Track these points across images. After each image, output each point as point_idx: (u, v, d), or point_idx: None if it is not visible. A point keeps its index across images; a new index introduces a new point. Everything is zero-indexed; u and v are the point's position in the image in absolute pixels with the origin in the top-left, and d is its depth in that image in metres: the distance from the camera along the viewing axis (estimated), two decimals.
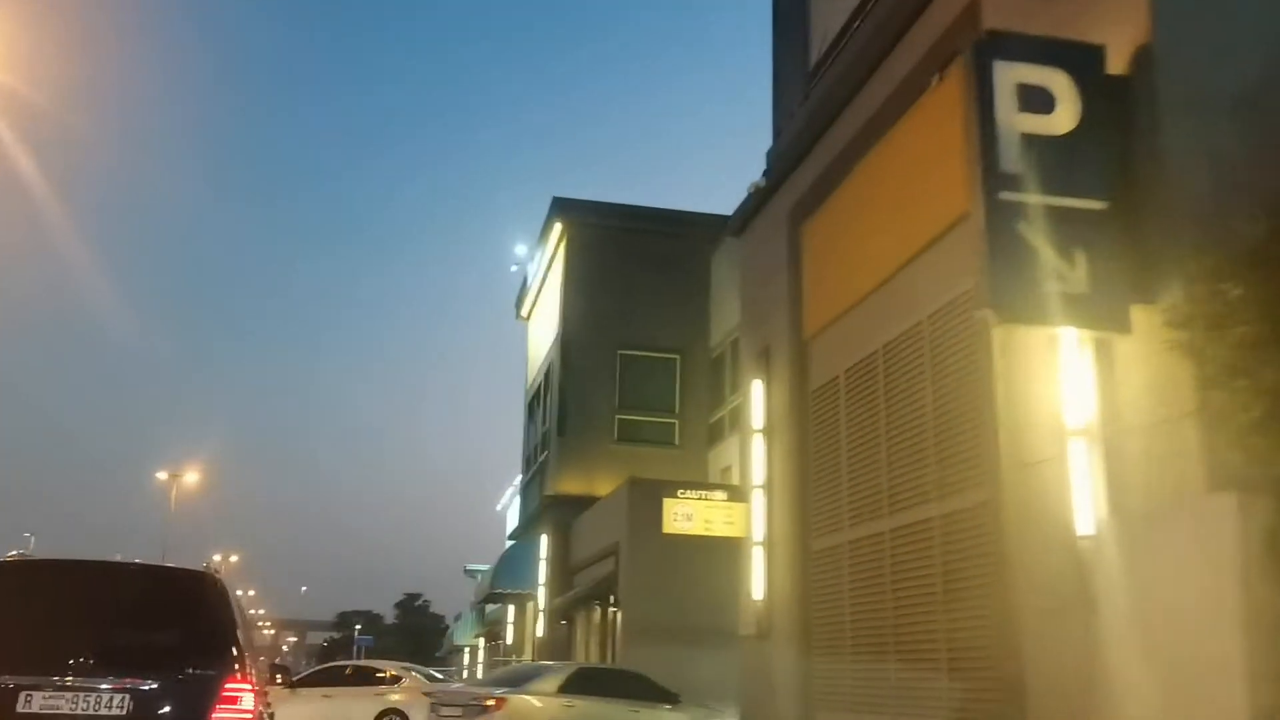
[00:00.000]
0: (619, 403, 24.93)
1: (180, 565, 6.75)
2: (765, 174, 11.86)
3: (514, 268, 31.48)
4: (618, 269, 25.48)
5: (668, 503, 11.29)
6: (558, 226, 26.04)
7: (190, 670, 5.52)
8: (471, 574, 67.22)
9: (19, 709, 5.15)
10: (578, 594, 20.84)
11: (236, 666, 5.60)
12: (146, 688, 5.34)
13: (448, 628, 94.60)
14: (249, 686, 5.62)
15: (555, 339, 25.89)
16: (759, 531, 10.84)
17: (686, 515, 11.26)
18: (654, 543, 18.17)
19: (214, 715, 5.42)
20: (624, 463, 24.04)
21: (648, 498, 18.72)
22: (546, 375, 27.19)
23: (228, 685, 5.50)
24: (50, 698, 5.22)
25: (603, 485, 23.89)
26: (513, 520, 59.38)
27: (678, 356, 25.27)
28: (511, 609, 29.13)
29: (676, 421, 25.07)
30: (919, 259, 8.15)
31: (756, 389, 11.20)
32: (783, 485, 10.47)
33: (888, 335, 8.56)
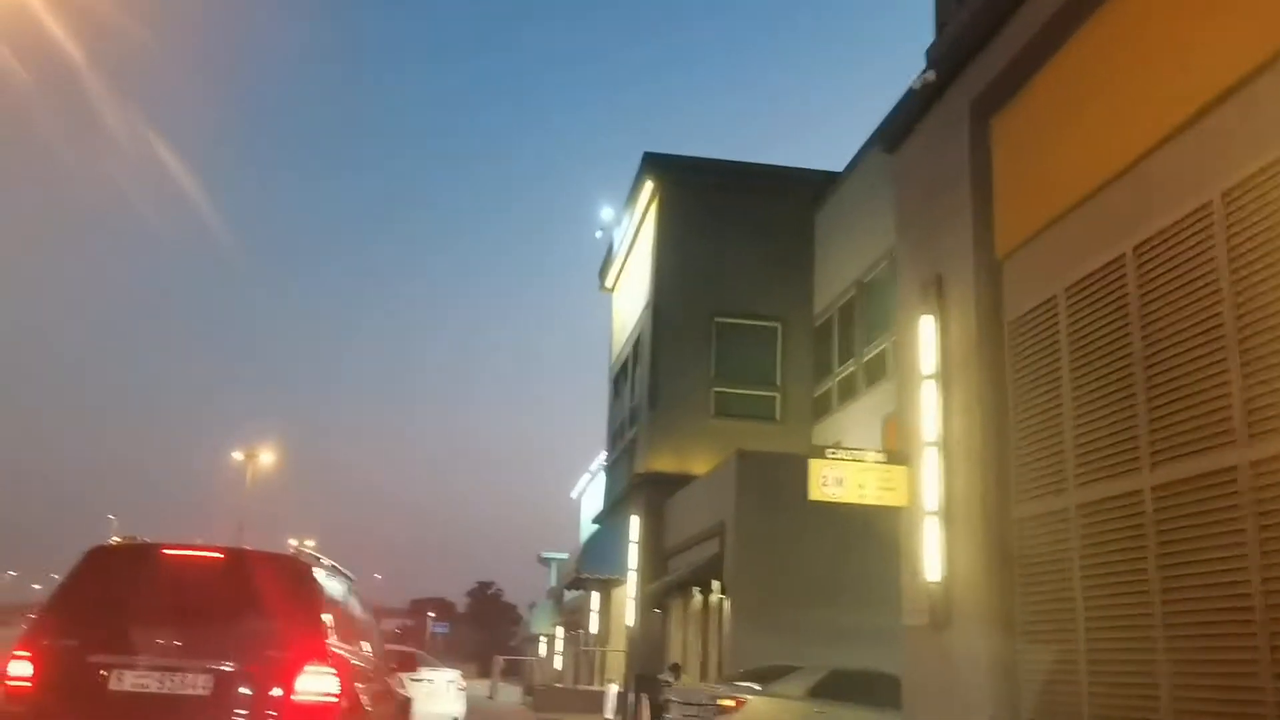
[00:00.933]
0: (715, 374, 23.05)
1: (269, 550, 6.85)
2: (926, 71, 9.84)
3: (598, 233, 29.77)
4: (714, 230, 23.58)
5: (814, 465, 9.33)
6: (648, 185, 24.21)
7: (270, 652, 5.60)
8: (546, 562, 66.15)
9: (111, 687, 5.40)
10: (674, 579, 19.04)
11: (318, 649, 5.68)
12: (227, 668, 5.48)
13: (520, 617, 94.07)
14: (331, 670, 5.67)
15: (646, 306, 24.10)
16: (931, 499, 8.87)
17: (837, 480, 9.28)
18: (767, 521, 16.29)
19: (292, 697, 5.49)
20: (721, 439, 22.19)
21: (759, 471, 16.85)
22: (635, 347, 25.42)
23: (308, 667, 5.57)
24: (140, 676, 5.43)
25: (698, 463, 22.08)
26: (589, 507, 57.97)
27: (778, 324, 23.31)
28: (596, 596, 27.45)
29: (777, 395, 23.11)
30: (1197, 126, 6.11)
31: (925, 326, 9.20)
32: (966, 440, 8.48)
33: (1143, 232, 6.52)
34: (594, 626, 27.47)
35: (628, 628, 22.09)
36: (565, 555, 62.45)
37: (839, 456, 9.39)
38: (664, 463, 22.47)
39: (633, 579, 22.33)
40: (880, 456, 9.54)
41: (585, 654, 31.30)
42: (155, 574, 6.06)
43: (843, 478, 9.31)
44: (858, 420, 20.42)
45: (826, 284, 22.86)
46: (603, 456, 51.98)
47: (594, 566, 23.56)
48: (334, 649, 5.85)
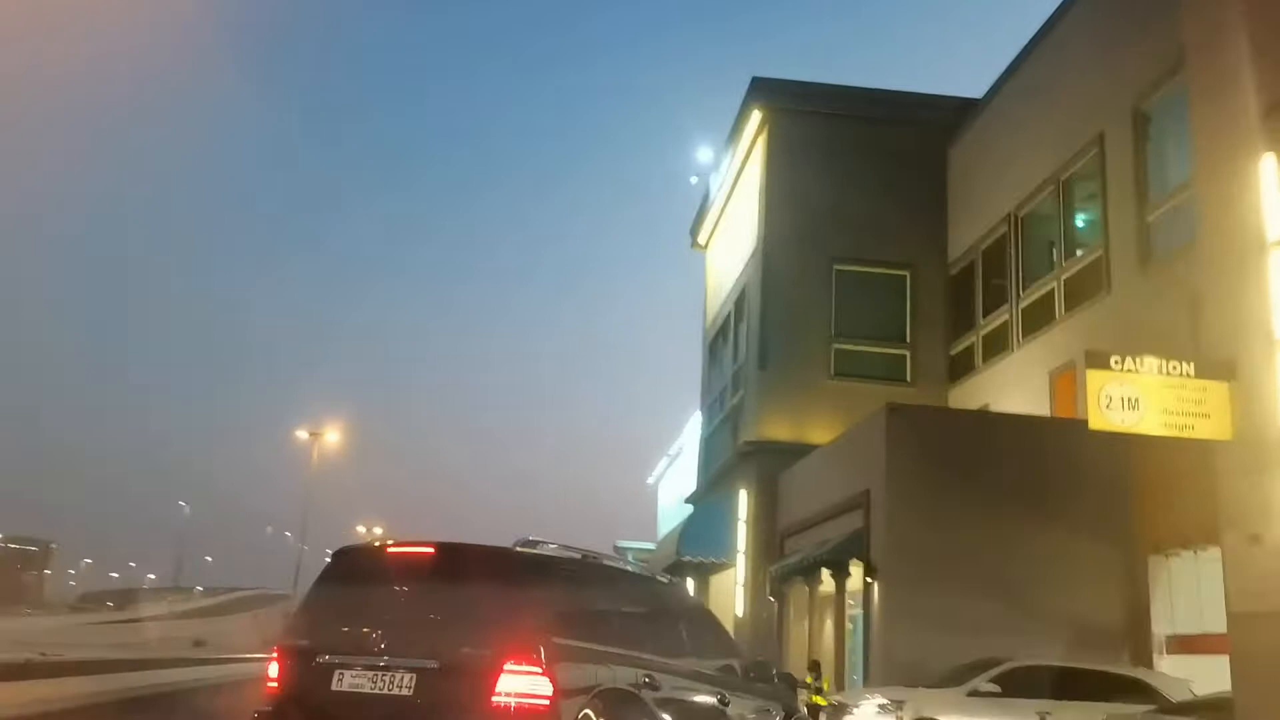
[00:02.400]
0: (835, 330, 20.09)
1: (487, 544, 6.07)
2: None
3: (693, 179, 26.95)
4: (831, 165, 20.64)
5: (1093, 380, 6.59)
6: (756, 115, 21.29)
7: (474, 650, 5.26)
8: (622, 552, 63.60)
9: (333, 686, 5.43)
10: (800, 561, 16.15)
11: (525, 647, 5.19)
12: (431, 666, 5.31)
13: None
14: (536, 669, 5.14)
15: (752, 254, 21.22)
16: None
17: (1129, 401, 6.40)
18: (925, 488, 13.39)
19: (492, 699, 5.10)
20: (842, 403, 19.33)
21: (913, 429, 13.96)
22: (738, 303, 22.56)
23: (509, 666, 5.11)
24: (355, 676, 5.42)
25: (816, 429, 19.20)
26: (667, 494, 55.21)
27: (907, 272, 20.31)
28: (691, 583, 24.65)
29: (907, 353, 20.08)
30: None
31: (1266, 171, 6.23)
32: None
33: None
34: None
35: (736, 617, 19.27)
36: (644, 545, 59.94)
37: (1132, 369, 6.47)
38: (776, 430, 19.60)
39: (741, 563, 19.50)
40: (1189, 369, 6.59)
41: None
42: (384, 573, 6.02)
43: (1137, 398, 6.43)
44: (1011, 379, 17.35)
45: (965, 223, 19.78)
46: (684, 439, 49.24)
47: (695, 549, 20.75)
48: (566, 645, 5.33)
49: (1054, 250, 16.77)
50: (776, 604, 18.44)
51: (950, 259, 20.10)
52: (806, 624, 17.74)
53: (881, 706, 11.12)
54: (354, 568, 6.09)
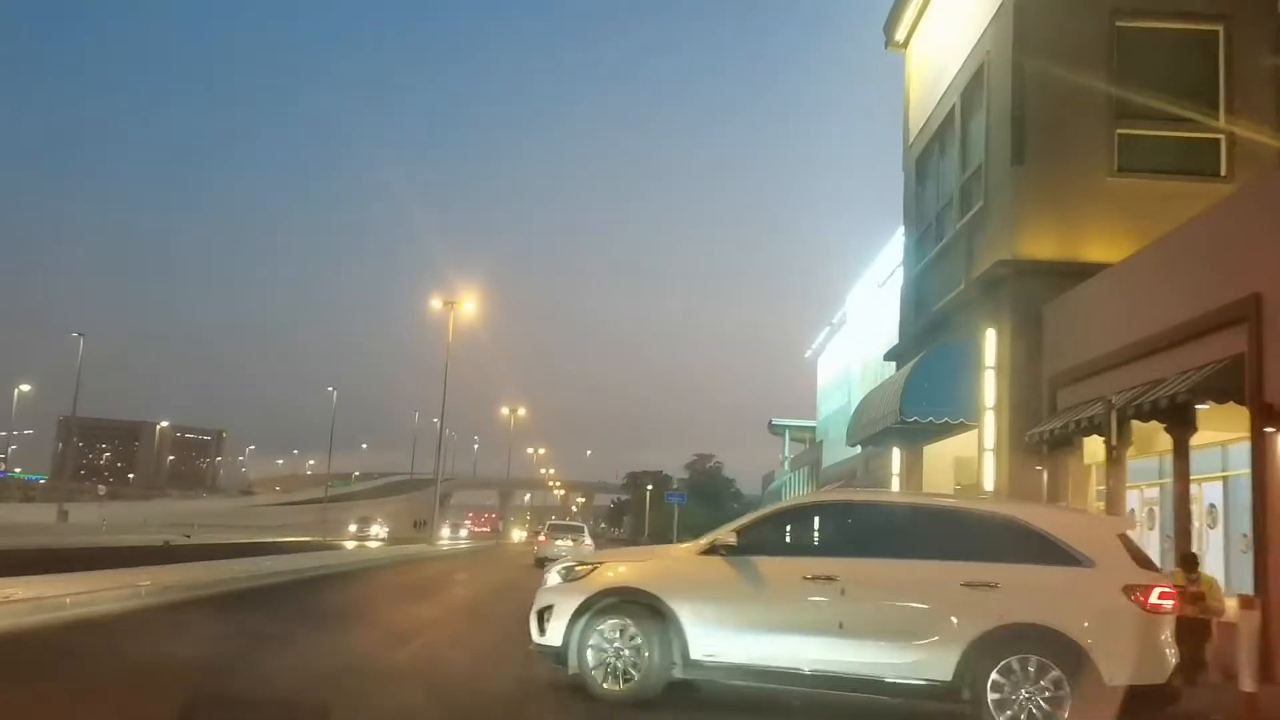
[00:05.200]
0: (1119, 110, 14.78)
1: None
2: None
3: None
4: None
5: None
6: None
7: None
8: (779, 430, 59.62)
9: None
10: (1091, 418, 11.42)
11: None
12: None
13: (739, 491, 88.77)
14: None
15: (996, 16, 15.90)
16: None
17: None
18: None
19: None
20: (1130, 206, 14.41)
21: None
22: (967, 92, 17.39)
23: None
24: None
25: (1096, 244, 14.30)
26: (827, 368, 50.51)
27: (1219, 27, 14.73)
28: (897, 454, 20.22)
29: (1221, 137, 14.65)
30: None
31: None
32: None
33: None
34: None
35: (984, 491, 14.78)
36: (803, 422, 55.72)
37: None
38: (1039, 245, 14.66)
39: (990, 422, 14.89)
40: None
41: None
42: None
43: None
44: None
45: None
46: (847, 307, 44.26)
47: (920, 408, 16.22)
48: None
49: None
50: (1046, 474, 13.83)
51: None
52: (1093, 499, 13.16)
53: None
54: None
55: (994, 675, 6.49)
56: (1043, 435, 13.21)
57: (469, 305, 39.38)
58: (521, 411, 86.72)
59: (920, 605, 6.91)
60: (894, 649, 6.75)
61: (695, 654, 7.10)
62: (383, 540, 53.88)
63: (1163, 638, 6.64)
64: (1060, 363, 13.79)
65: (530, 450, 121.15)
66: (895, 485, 20.43)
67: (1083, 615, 6.59)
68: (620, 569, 7.67)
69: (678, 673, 7.15)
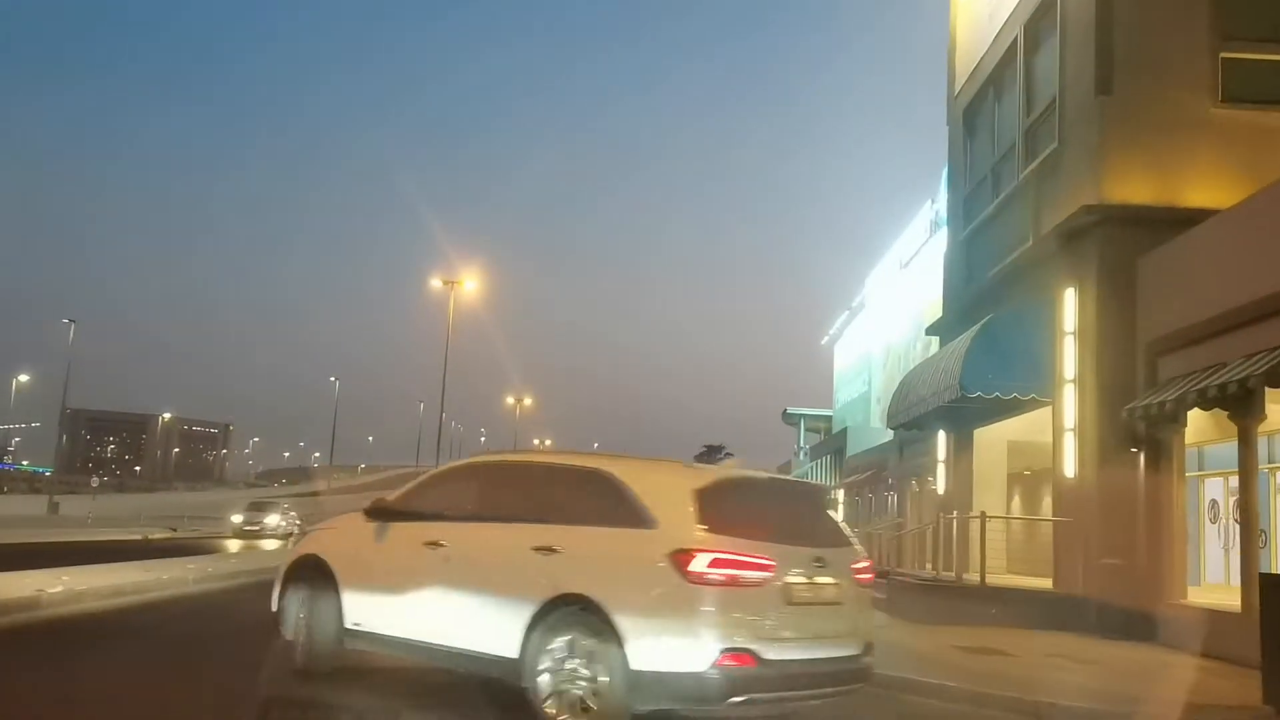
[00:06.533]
0: (1222, 31, 12.61)
1: None
2: None
3: None
4: None
5: None
6: None
7: None
8: (794, 419, 57.38)
9: None
10: (1214, 387, 9.26)
11: None
12: None
13: None
14: None
15: None
16: None
17: None
18: None
19: None
20: (1240, 140, 12.32)
21: None
22: (1031, 23, 15.18)
23: None
24: None
25: (1199, 186, 12.21)
26: (844, 354, 48.30)
27: None
28: (942, 438, 18.03)
29: None
30: None
31: None
32: None
33: None
34: (943, 483, 18.11)
35: (1066, 479, 12.59)
36: (819, 411, 53.53)
37: None
38: (1131, 188, 12.48)
39: (1070, 397, 12.72)
40: None
41: (909, 531, 22.26)
42: None
43: None
44: None
45: None
46: (866, 291, 42.09)
47: (983, 384, 14.03)
48: None
49: None
50: (1143, 458, 11.66)
51: None
52: (1226, 489, 11.00)
53: None
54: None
55: (543, 655, 5.55)
56: (1146, 410, 11.03)
57: (470, 284, 37.28)
58: (528, 401, 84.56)
59: (499, 573, 6.03)
60: (479, 621, 5.98)
61: (347, 622, 6.78)
62: (291, 536, 34.32)
63: (706, 614, 5.22)
64: (1161, 325, 11.61)
65: (537, 442, 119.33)
66: (941, 474, 18.27)
67: (621, 585, 5.45)
68: (322, 537, 7.56)
69: (347, 642, 6.78)
